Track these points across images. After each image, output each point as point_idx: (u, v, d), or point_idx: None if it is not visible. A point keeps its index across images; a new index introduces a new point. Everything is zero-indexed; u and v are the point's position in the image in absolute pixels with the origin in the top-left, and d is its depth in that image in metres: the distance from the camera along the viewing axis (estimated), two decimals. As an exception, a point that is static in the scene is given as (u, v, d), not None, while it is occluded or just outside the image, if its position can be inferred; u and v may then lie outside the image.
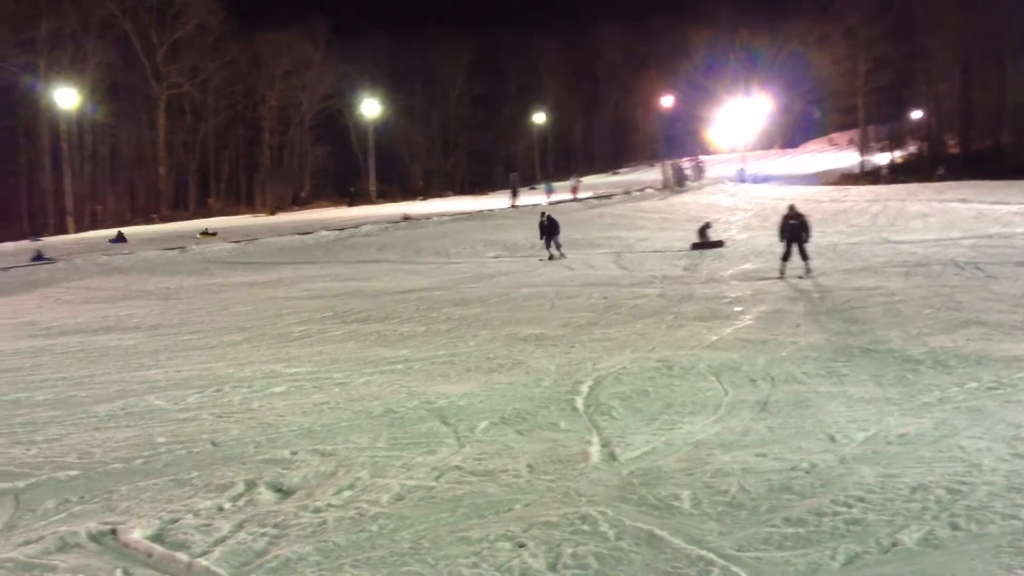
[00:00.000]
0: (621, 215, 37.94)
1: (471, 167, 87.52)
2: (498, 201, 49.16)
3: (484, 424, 7.88)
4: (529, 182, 51.57)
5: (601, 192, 49.42)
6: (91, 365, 11.96)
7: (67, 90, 55.38)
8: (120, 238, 38.98)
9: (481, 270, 23.45)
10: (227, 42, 67.38)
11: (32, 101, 58.26)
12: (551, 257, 25.88)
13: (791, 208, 20.47)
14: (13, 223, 59.84)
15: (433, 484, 6.22)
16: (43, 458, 7.24)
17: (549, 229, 26.52)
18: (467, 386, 9.56)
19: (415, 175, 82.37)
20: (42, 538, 5.41)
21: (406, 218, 40.12)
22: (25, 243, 40.82)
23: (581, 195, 47.85)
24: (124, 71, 63.47)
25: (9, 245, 40.53)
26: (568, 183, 52.74)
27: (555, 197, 48.05)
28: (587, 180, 59.79)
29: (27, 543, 5.34)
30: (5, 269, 27.70)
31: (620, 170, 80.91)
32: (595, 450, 6.96)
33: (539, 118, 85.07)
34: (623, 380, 9.57)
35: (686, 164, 56.06)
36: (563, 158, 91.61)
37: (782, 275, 19.07)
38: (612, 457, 6.78)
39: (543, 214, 27.58)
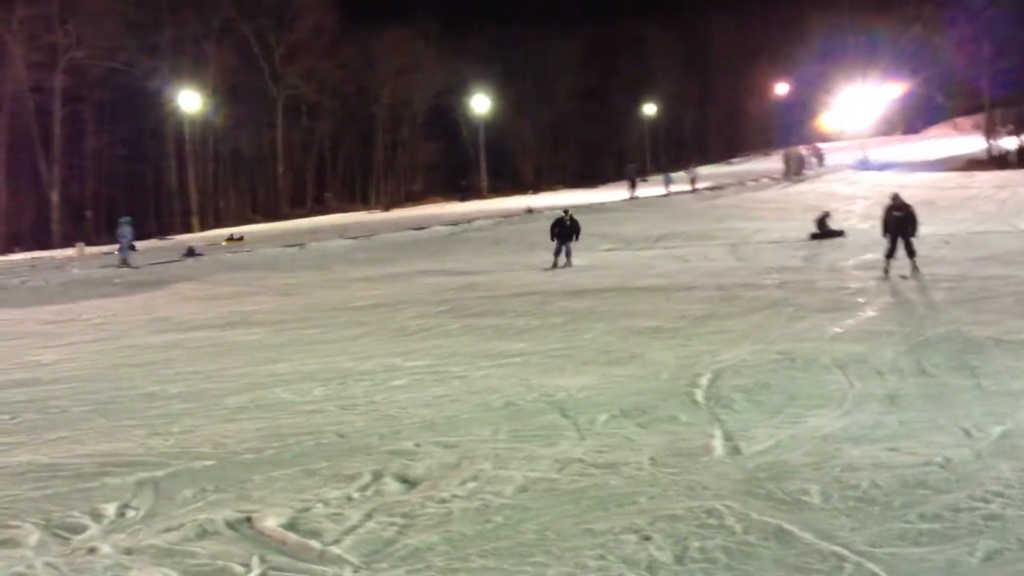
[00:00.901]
0: (736, 206, 37.33)
1: (582, 160, 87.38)
2: (611, 194, 48.92)
3: (604, 417, 7.88)
4: (640, 174, 51.17)
5: (715, 183, 48.73)
6: (220, 359, 12.37)
7: (190, 93, 57.33)
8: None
9: (595, 263, 23.39)
10: (341, 43, 68.86)
11: (158, 104, 60.56)
12: (555, 265, 22.76)
13: (895, 197, 18.28)
14: (141, 222, 62.14)
15: (555, 476, 6.25)
16: (180, 448, 7.52)
17: (568, 231, 23.43)
18: (585, 379, 9.57)
19: (526, 169, 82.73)
20: (182, 525, 5.62)
21: (529, 211, 40.30)
22: (154, 241, 42.34)
23: (699, 185, 47.34)
24: (243, 73, 65.46)
25: (137, 244, 42.18)
26: (685, 174, 52.22)
27: (673, 188, 47.67)
28: (700, 170, 59.03)
29: (168, 530, 5.56)
30: (134, 268, 28.87)
31: (734, 160, 79.53)
32: (718, 443, 6.88)
33: (650, 109, 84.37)
34: (744, 373, 9.44)
35: (804, 152, 54.81)
36: (675, 149, 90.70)
37: (886, 275, 17.20)
38: (736, 451, 6.70)
39: (566, 212, 24.25)
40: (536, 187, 71.12)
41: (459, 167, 78.03)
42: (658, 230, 29.68)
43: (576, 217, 24.26)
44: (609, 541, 5.01)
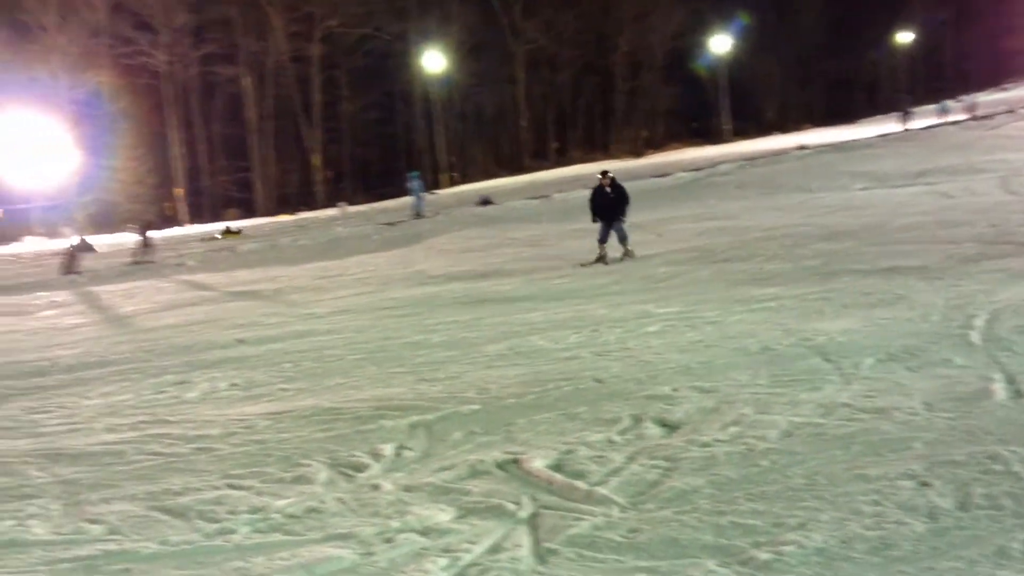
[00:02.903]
0: (1007, 136, 34.53)
1: (829, 97, 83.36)
2: (870, 130, 46.45)
3: (869, 361, 7.56)
4: (895, 107, 48.17)
5: (984, 111, 45.31)
6: (477, 309, 12.84)
7: (435, 54, 59.15)
8: (85, 247, 33.20)
9: (848, 203, 22.38)
10: (578, -8, 68.81)
11: (406, 67, 63.02)
12: (602, 258, 16.77)
13: None
14: (395, 181, 65.26)
15: (821, 421, 6.07)
16: (447, 393, 7.87)
17: (613, 205, 17.13)
18: (846, 322, 9.21)
19: (769, 109, 79.94)
20: (455, 465, 5.89)
21: (802, 148, 39.57)
22: (409, 199, 44.31)
23: (979, 112, 44.53)
24: (484, 31, 66.85)
25: (391, 203, 44.33)
26: (957, 103, 48.99)
27: (951, 117, 44.99)
28: (967, 100, 54.99)
29: (442, 469, 5.84)
30: (425, 217, 30.30)
31: (1006, 85, 73.38)
32: (999, 387, 6.45)
33: (904, 37, 79.20)
34: (1025, 313, 8.78)
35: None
36: (934, 79, 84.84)
37: None
38: (1020, 394, 6.26)
39: (605, 175, 17.80)
40: (782, 127, 68.67)
41: (700, 111, 76.48)
42: (919, 165, 27.98)
43: (622, 183, 17.85)
44: (884, 487, 4.83)
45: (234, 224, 37.25)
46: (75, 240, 27.10)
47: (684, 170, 36.31)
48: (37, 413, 8.62)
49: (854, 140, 40.47)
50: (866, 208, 20.84)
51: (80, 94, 56.08)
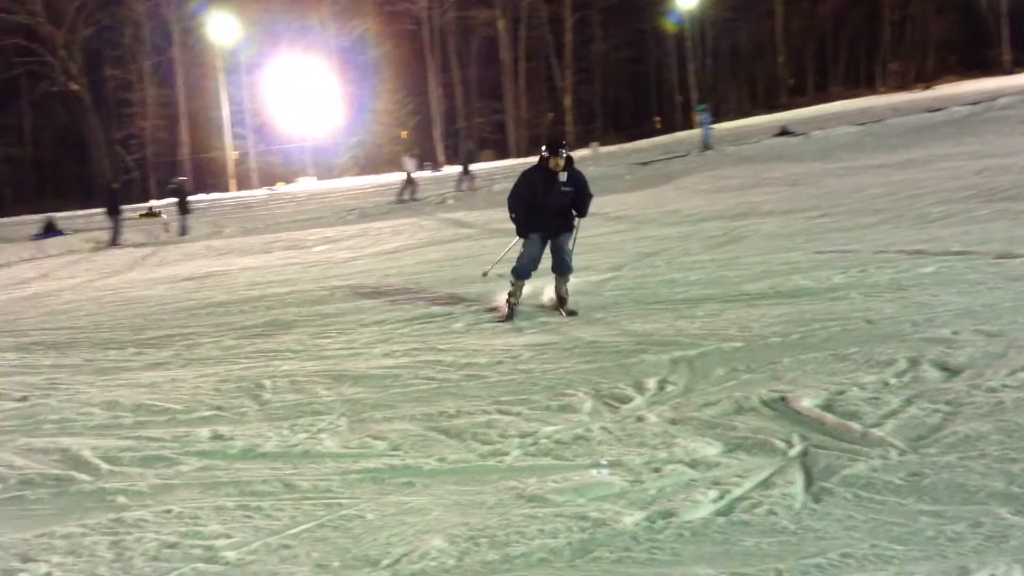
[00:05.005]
0: None
1: None
2: None
3: None
4: None
5: None
6: (734, 247, 12.59)
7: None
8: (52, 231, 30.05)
9: None
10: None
11: (659, 3, 62.10)
12: (511, 308, 9.31)
13: None
14: (643, 121, 64.92)
15: None
16: (707, 331, 7.79)
17: (561, 203, 9.39)
18: None
19: (1059, 36, 72.74)
20: (719, 401, 5.84)
21: None
22: (680, 135, 44.46)
23: None
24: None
25: (642, 142, 44.03)
26: None
27: None
28: None
29: (706, 405, 5.80)
30: (711, 149, 30.12)
31: None
32: None
33: None
34: None
35: None
36: None
37: None
38: None
39: (557, 150, 9.25)
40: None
41: (976, 41, 70.76)
42: None
43: (581, 174, 9.74)
44: None
45: (157, 205, 38.40)
46: (414, 170, 30.13)
47: (959, 104, 33.85)
48: (320, 338, 9.28)
49: None
50: None
51: (346, 41, 59.11)
